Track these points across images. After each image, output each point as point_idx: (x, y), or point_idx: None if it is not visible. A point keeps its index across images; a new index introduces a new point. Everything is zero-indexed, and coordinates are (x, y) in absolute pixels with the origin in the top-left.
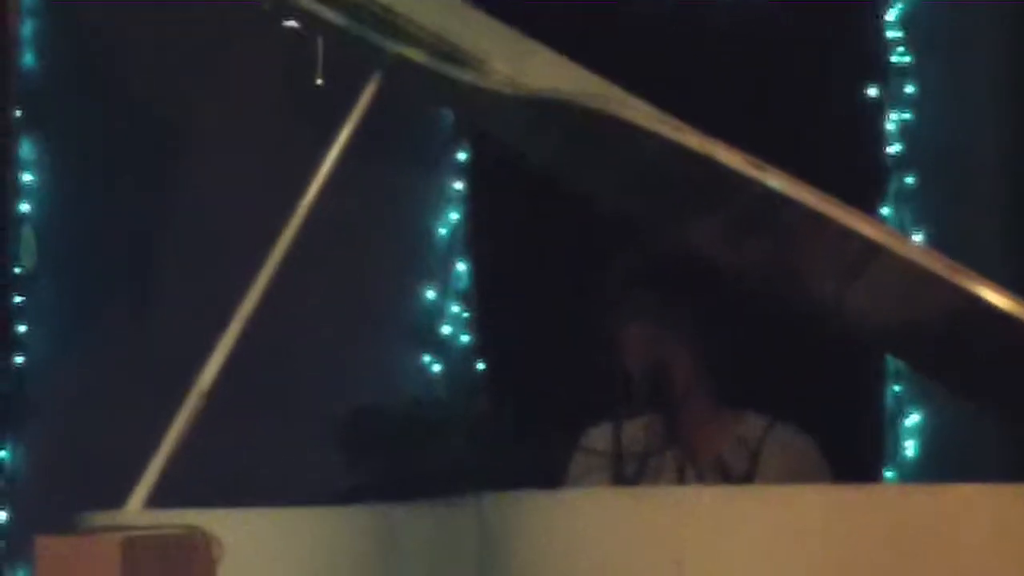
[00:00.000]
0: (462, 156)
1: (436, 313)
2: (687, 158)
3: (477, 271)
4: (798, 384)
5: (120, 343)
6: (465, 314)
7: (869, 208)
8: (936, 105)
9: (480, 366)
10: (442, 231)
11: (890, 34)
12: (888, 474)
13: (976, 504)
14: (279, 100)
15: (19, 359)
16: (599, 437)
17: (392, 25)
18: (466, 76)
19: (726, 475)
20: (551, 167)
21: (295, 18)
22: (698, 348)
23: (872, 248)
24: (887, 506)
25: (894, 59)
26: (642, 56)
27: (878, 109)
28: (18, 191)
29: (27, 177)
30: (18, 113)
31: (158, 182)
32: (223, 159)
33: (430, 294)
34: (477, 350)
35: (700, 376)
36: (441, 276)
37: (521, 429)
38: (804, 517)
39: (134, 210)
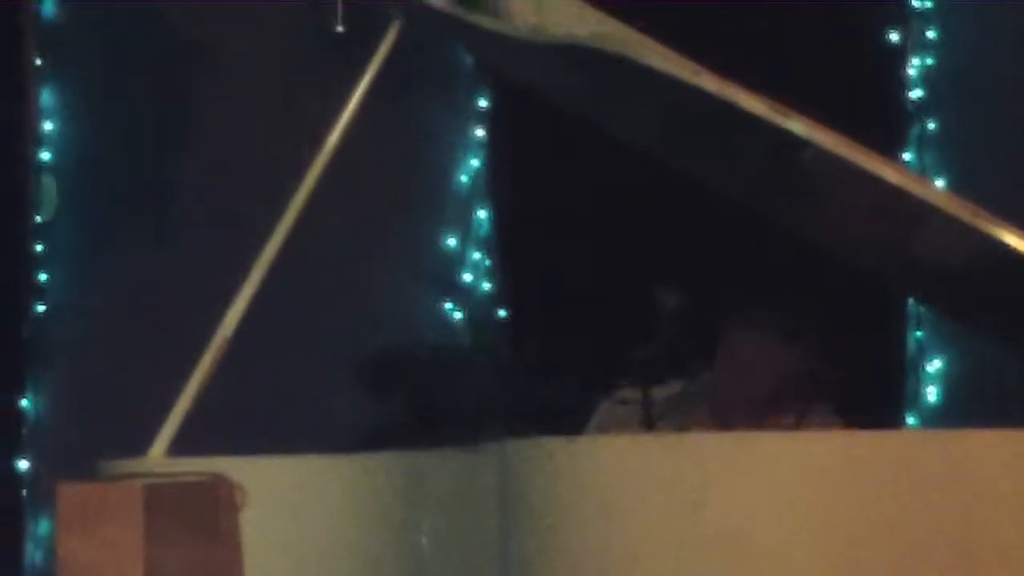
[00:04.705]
0: (483, 102)
1: (457, 260)
2: (707, 102)
3: (498, 218)
4: (820, 330)
5: (141, 290)
6: (486, 261)
7: (891, 153)
8: (958, 50)
9: (500, 313)
10: (463, 178)
11: None
12: (910, 420)
13: (998, 449)
14: (300, 46)
15: (40, 307)
16: (628, 392)
17: None
18: (487, 22)
19: None
20: (573, 109)
21: None
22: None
23: (894, 193)
24: (909, 451)
25: (916, 4)
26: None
27: (900, 54)
28: (38, 139)
29: (47, 125)
30: (38, 61)
31: (179, 129)
32: (244, 107)
33: (451, 241)
34: (497, 297)
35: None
36: (462, 223)
37: (541, 375)
38: (825, 461)
39: (154, 157)
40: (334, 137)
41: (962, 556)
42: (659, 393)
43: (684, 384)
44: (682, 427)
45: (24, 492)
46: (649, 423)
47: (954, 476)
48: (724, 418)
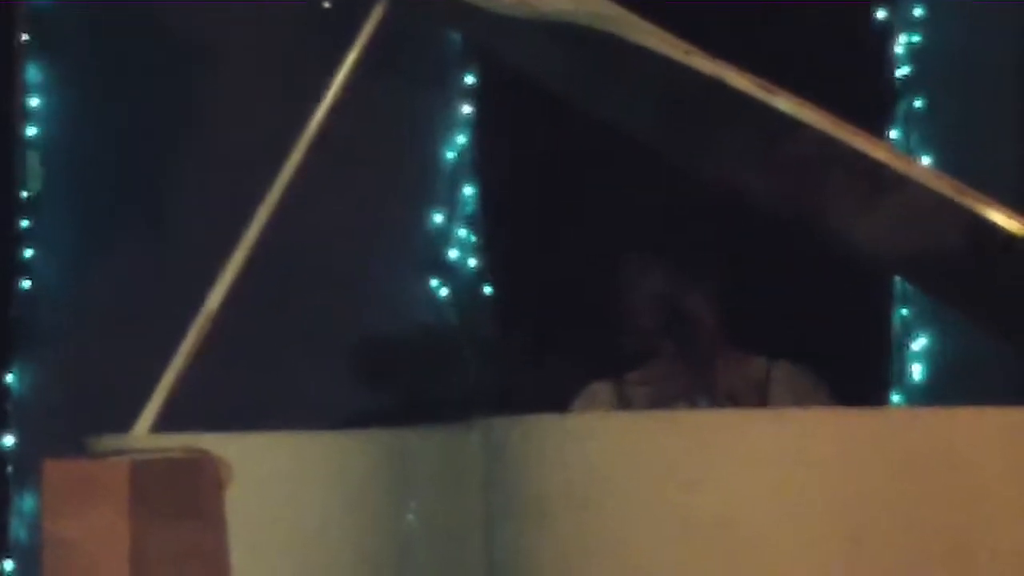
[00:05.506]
0: (470, 79)
1: (443, 237)
2: (697, 81)
3: (484, 195)
4: (806, 308)
5: (127, 267)
6: (472, 238)
7: (878, 131)
8: (945, 27)
9: (487, 290)
10: (450, 155)
11: None
12: (895, 398)
13: (985, 427)
14: (288, 22)
15: (26, 283)
16: (600, 392)
17: None
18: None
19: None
20: (561, 90)
21: None
22: (715, 289)
23: (881, 171)
24: (897, 429)
25: None
26: None
27: (887, 31)
28: (25, 115)
29: (34, 101)
30: (25, 37)
31: (166, 105)
32: (232, 82)
33: (438, 218)
34: (484, 274)
35: (719, 318)
36: (448, 200)
37: (529, 352)
38: (815, 440)
39: (141, 133)
40: (320, 114)
41: (954, 530)
42: (632, 377)
43: (652, 365)
44: (655, 405)
45: (9, 468)
46: (626, 405)
47: (948, 455)
48: (704, 378)
